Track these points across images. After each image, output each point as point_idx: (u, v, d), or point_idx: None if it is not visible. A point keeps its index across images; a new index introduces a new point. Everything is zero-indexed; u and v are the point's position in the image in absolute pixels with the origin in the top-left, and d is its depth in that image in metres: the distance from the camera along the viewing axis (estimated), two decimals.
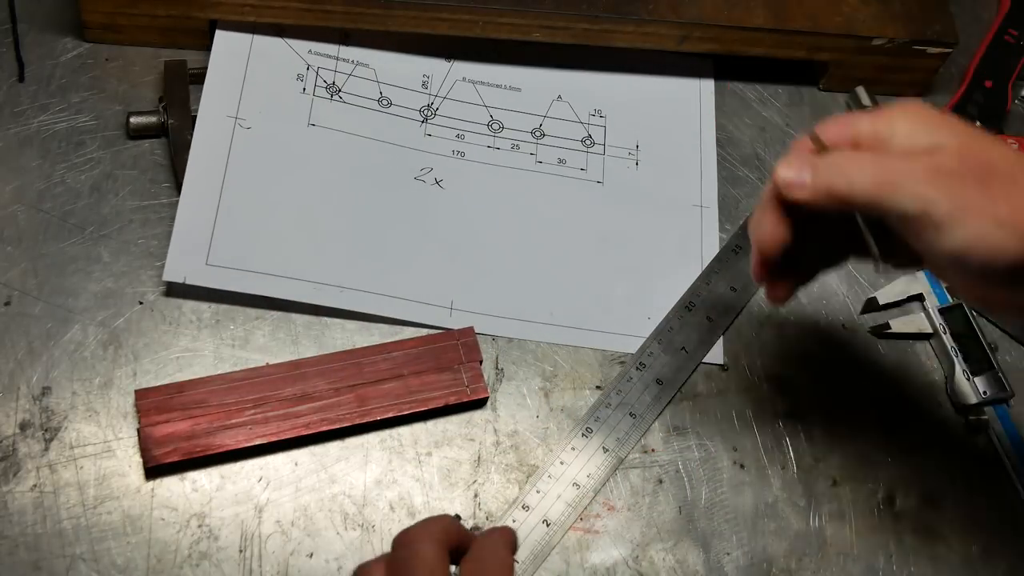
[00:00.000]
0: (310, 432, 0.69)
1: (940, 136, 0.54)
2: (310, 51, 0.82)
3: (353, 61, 0.83)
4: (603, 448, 0.72)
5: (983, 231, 0.51)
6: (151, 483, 0.67)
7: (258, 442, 0.68)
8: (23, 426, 0.68)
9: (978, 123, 0.88)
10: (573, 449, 0.72)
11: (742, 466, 0.73)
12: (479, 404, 0.73)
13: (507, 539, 0.57)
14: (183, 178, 0.75)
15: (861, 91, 0.87)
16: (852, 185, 0.54)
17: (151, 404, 0.68)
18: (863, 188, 0.54)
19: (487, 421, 0.72)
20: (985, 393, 0.77)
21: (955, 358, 0.78)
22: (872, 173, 0.54)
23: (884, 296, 0.81)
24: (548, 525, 0.69)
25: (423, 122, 0.82)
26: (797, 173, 0.57)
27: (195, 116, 0.77)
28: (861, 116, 0.58)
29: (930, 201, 0.52)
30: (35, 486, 0.66)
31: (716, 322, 0.78)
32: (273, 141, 0.78)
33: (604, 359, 0.76)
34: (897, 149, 0.55)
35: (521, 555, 0.67)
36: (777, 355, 0.78)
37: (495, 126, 0.84)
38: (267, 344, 0.73)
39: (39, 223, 0.74)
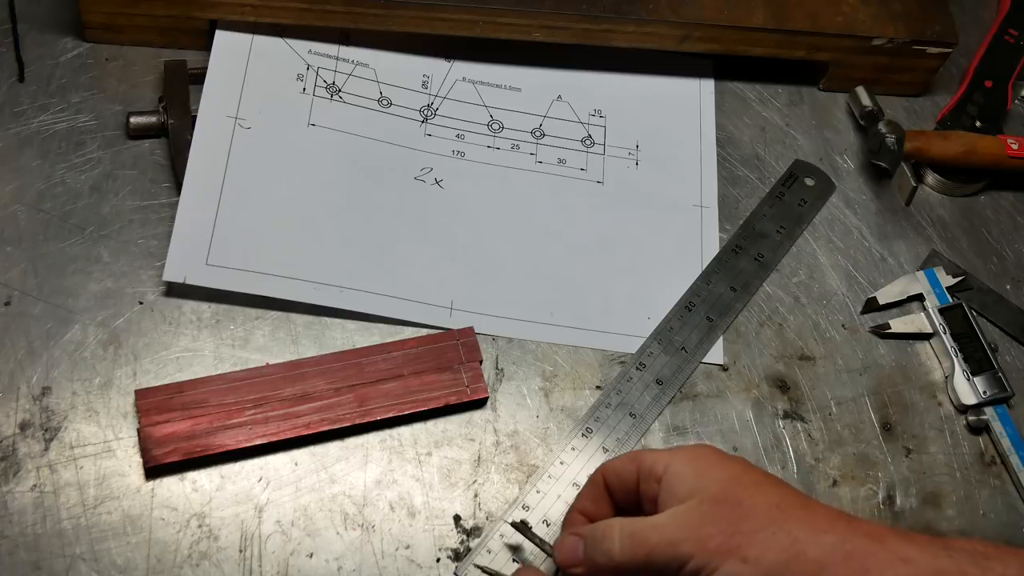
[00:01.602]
0: (310, 432, 0.69)
1: (706, 480, 0.58)
2: (310, 51, 0.82)
3: (353, 61, 0.83)
4: (603, 448, 0.72)
5: (731, 570, 0.55)
6: (151, 483, 0.67)
7: (258, 442, 0.68)
8: (23, 426, 0.68)
9: (978, 123, 0.88)
10: (573, 449, 0.72)
11: None
12: (479, 404, 0.73)
13: None
14: (183, 178, 0.75)
15: (861, 91, 0.88)
16: (612, 556, 0.58)
17: (151, 404, 0.68)
18: (622, 557, 0.58)
19: (487, 421, 0.72)
20: (985, 393, 0.77)
21: (955, 358, 0.78)
22: (630, 545, 0.58)
23: (884, 296, 0.81)
24: (548, 525, 0.69)
25: (423, 122, 0.82)
26: (572, 551, 0.61)
27: (195, 116, 0.77)
28: (645, 454, 0.62)
29: (683, 555, 0.56)
30: (35, 486, 0.66)
31: (716, 322, 0.78)
32: (273, 141, 0.78)
33: (604, 359, 0.76)
34: (665, 492, 0.59)
35: (522, 556, 0.67)
36: (777, 355, 0.78)
37: (495, 126, 0.84)
38: (267, 344, 0.73)
39: (39, 223, 0.74)
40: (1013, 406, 0.78)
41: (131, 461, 0.67)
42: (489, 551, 0.67)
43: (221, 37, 0.81)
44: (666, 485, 0.59)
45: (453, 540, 0.68)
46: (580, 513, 0.64)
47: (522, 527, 0.66)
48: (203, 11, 0.79)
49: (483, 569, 0.66)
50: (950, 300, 0.81)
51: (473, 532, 0.68)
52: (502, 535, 0.68)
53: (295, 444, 0.69)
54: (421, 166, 0.80)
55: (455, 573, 0.67)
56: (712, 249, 0.81)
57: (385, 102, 0.82)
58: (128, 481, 0.67)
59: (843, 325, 0.80)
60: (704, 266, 0.80)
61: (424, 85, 0.84)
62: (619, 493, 0.62)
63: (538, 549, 0.66)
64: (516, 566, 0.67)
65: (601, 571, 0.60)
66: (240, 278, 0.73)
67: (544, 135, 0.84)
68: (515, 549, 0.67)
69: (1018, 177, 0.87)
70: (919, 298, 0.81)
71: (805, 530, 0.55)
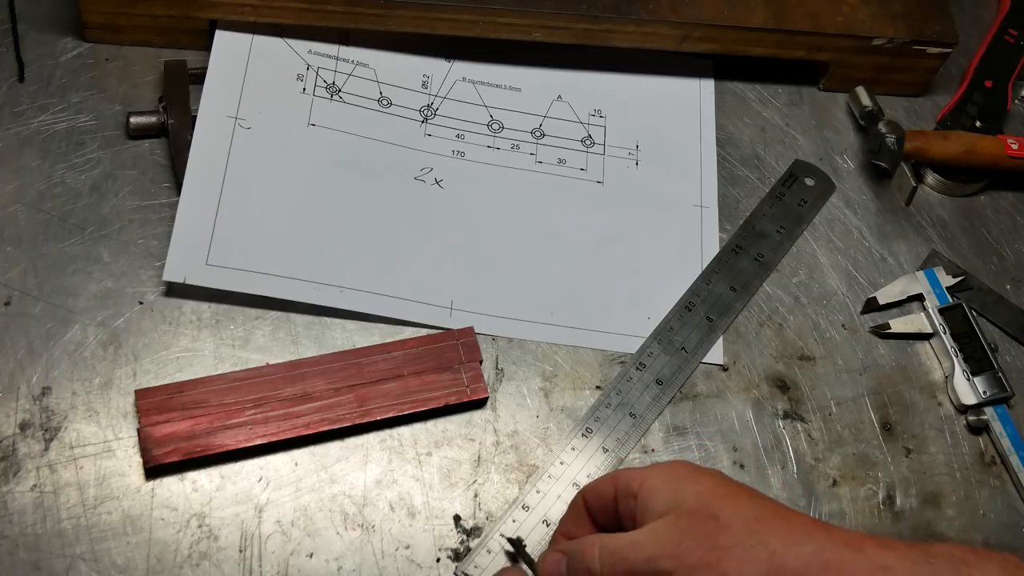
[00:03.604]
0: (310, 432, 0.69)
1: (681, 494, 0.58)
2: (310, 51, 0.82)
3: (353, 61, 0.83)
4: (603, 448, 0.72)
5: None
6: (151, 483, 0.67)
7: (258, 442, 0.68)
8: (23, 426, 0.68)
9: (978, 123, 0.88)
10: (573, 449, 0.72)
11: (742, 466, 0.73)
12: (479, 404, 0.73)
13: None
14: (183, 178, 0.75)
15: (861, 91, 0.88)
16: (592, 573, 0.59)
17: (151, 404, 0.68)
18: (602, 573, 0.58)
19: (487, 421, 0.72)
20: (985, 393, 0.77)
21: (955, 358, 0.78)
22: (610, 560, 0.58)
23: (884, 296, 0.81)
24: (548, 525, 0.69)
25: (423, 122, 0.82)
26: (554, 566, 0.61)
27: (195, 116, 0.77)
28: (621, 472, 0.62)
29: (663, 571, 0.56)
30: (35, 486, 0.66)
31: (716, 322, 0.78)
32: (273, 141, 0.78)
33: (604, 359, 0.76)
34: (640, 508, 0.59)
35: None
36: (777, 355, 0.78)
37: (495, 126, 0.84)
38: (267, 344, 0.73)
39: (39, 223, 0.74)
40: (1013, 406, 0.78)
41: (131, 461, 0.67)
42: (489, 551, 0.67)
43: (221, 37, 0.81)
44: (642, 501, 0.59)
45: (453, 540, 0.68)
46: (563, 536, 0.64)
47: (516, 544, 0.66)
48: (203, 11, 0.79)
49: (510, 539, 0.66)
50: (950, 300, 0.81)
51: (473, 532, 0.68)
52: (502, 535, 0.68)
53: (295, 444, 0.69)
54: (421, 166, 0.80)
55: (455, 573, 0.67)
56: (712, 249, 0.81)
57: (385, 102, 0.82)
58: (128, 481, 0.67)
59: (843, 325, 0.80)
60: (704, 266, 0.80)
61: (424, 85, 0.84)
62: (599, 513, 0.62)
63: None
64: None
65: None
66: (240, 278, 0.73)
67: (544, 135, 0.84)
68: (513, 557, 0.67)
69: (1018, 177, 0.87)
70: (919, 298, 0.81)
71: (783, 542, 0.55)
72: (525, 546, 0.66)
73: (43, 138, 0.77)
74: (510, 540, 0.66)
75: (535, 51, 0.85)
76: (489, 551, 0.67)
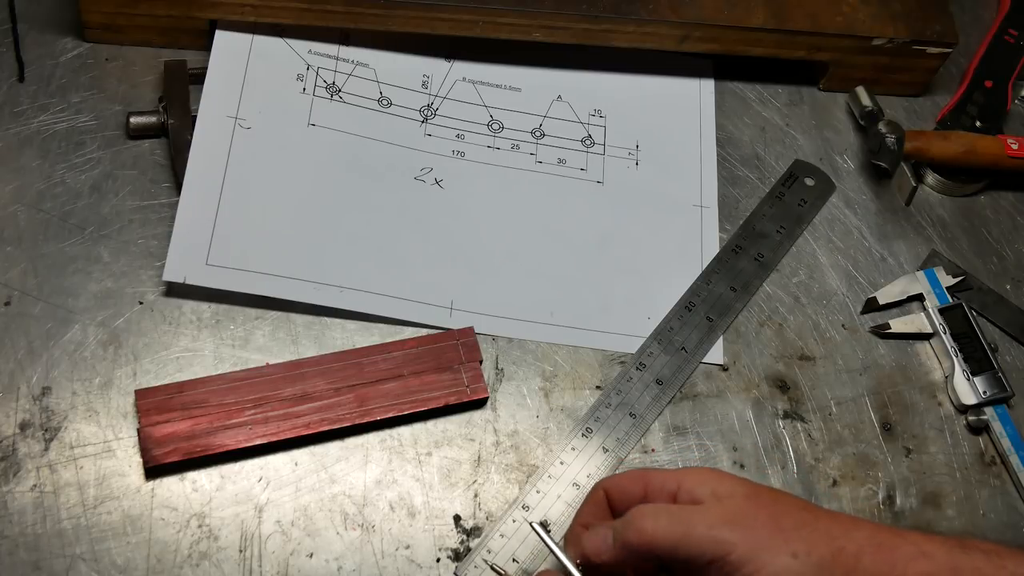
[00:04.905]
0: (310, 432, 0.69)
1: (727, 485, 0.59)
2: (310, 51, 0.82)
3: (353, 61, 0.83)
4: (603, 448, 0.72)
5: (783, 565, 0.56)
6: (151, 483, 0.67)
7: (258, 442, 0.68)
8: (23, 426, 0.68)
9: (978, 123, 0.88)
10: (573, 449, 0.72)
11: (742, 466, 0.73)
12: (479, 404, 0.73)
13: None
14: (183, 178, 0.75)
15: (861, 91, 0.88)
16: (646, 536, 0.58)
17: (151, 404, 0.68)
18: (658, 533, 0.58)
19: (487, 421, 0.72)
20: (985, 393, 0.77)
21: (955, 358, 0.78)
22: (667, 523, 0.58)
23: (884, 296, 0.81)
24: (548, 525, 0.69)
25: (423, 122, 0.82)
26: (602, 540, 0.60)
27: (195, 116, 0.77)
28: (651, 472, 0.62)
29: (725, 542, 0.57)
30: (35, 486, 0.66)
31: (716, 322, 0.78)
32: (273, 141, 0.78)
33: (604, 359, 0.76)
34: (685, 499, 0.60)
35: (521, 555, 0.67)
36: (777, 355, 0.78)
37: (495, 126, 0.84)
38: (267, 344, 0.73)
39: (39, 223, 0.74)
40: (1013, 406, 0.78)
41: (131, 461, 0.67)
42: (489, 551, 0.67)
43: (221, 37, 0.81)
44: (687, 493, 0.60)
45: (453, 540, 0.68)
46: (582, 527, 0.63)
47: (544, 526, 0.66)
48: (203, 11, 0.79)
49: (493, 567, 0.66)
50: (950, 300, 0.81)
51: (473, 532, 0.68)
52: (502, 535, 0.68)
53: (295, 444, 0.69)
54: (421, 166, 0.80)
55: (455, 573, 0.67)
56: (712, 249, 0.81)
57: (385, 102, 0.82)
58: (128, 481, 0.67)
59: (843, 325, 0.80)
60: (704, 266, 0.80)
61: (424, 85, 0.84)
62: (623, 509, 0.62)
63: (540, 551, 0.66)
64: (516, 566, 0.67)
65: (630, 555, 0.60)
66: (240, 278, 0.73)
67: (544, 135, 0.84)
68: (515, 555, 0.67)
69: (1018, 177, 0.87)
70: (919, 298, 0.81)
71: (838, 528, 0.58)
72: (550, 530, 0.67)
73: (43, 138, 0.77)
74: (540, 524, 0.67)
75: (535, 51, 0.85)
76: (489, 551, 0.67)
